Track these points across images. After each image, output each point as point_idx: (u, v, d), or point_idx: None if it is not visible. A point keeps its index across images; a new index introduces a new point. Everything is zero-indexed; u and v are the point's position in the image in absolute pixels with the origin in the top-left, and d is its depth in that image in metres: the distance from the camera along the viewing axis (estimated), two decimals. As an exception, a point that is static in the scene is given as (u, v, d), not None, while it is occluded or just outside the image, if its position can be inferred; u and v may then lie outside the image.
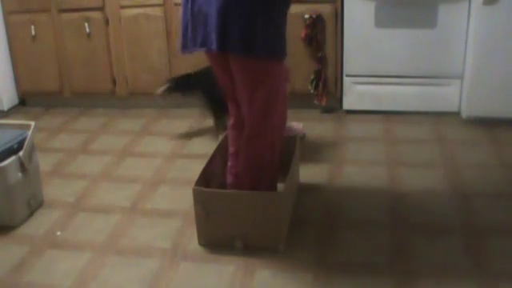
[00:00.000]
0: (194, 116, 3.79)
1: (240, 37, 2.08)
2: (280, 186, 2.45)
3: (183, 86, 3.41)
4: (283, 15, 2.22)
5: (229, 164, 2.52)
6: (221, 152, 2.64)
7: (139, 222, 2.59)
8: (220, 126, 3.24)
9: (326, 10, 3.50)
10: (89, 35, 3.88)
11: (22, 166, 2.59)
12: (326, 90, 3.64)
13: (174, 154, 3.29)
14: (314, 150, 3.21)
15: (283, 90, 2.35)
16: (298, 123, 3.39)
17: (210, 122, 3.45)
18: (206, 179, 2.42)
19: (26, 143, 2.61)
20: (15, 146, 2.59)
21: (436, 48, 3.45)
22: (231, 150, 2.51)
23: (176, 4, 3.62)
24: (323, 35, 3.54)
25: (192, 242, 2.39)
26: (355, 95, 3.66)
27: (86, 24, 3.85)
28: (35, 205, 2.71)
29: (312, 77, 3.62)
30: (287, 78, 2.42)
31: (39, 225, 2.61)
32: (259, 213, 2.26)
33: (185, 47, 2.27)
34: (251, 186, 2.36)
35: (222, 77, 2.38)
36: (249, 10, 2.07)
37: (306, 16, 3.48)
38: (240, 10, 2.07)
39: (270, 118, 2.29)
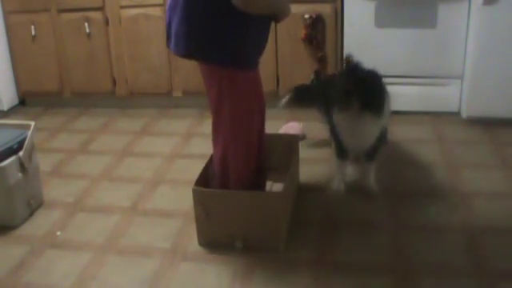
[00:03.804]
0: (194, 116, 3.79)
1: (178, 36, 2.15)
2: (280, 186, 2.45)
3: (304, 98, 3.15)
4: (249, 22, 2.12)
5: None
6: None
7: (139, 222, 2.59)
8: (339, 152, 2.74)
9: (326, 9, 3.50)
10: (89, 35, 3.88)
11: (22, 166, 2.59)
12: (326, 90, 3.63)
13: (174, 153, 3.29)
14: (314, 150, 3.21)
15: (250, 101, 2.27)
16: (298, 123, 3.39)
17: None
18: (205, 179, 2.42)
19: (25, 143, 2.61)
20: (15, 146, 2.59)
21: (436, 48, 3.44)
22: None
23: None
24: (323, 35, 3.53)
25: (192, 241, 2.39)
26: (355, 95, 3.65)
27: (86, 24, 3.85)
28: (35, 205, 2.71)
29: (312, 77, 3.61)
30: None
31: (39, 225, 2.61)
32: (259, 213, 2.26)
33: (167, 44, 2.33)
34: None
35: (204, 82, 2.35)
36: (192, 11, 2.08)
37: (306, 16, 3.46)
38: (184, 11, 2.11)
39: (237, 130, 2.25)
